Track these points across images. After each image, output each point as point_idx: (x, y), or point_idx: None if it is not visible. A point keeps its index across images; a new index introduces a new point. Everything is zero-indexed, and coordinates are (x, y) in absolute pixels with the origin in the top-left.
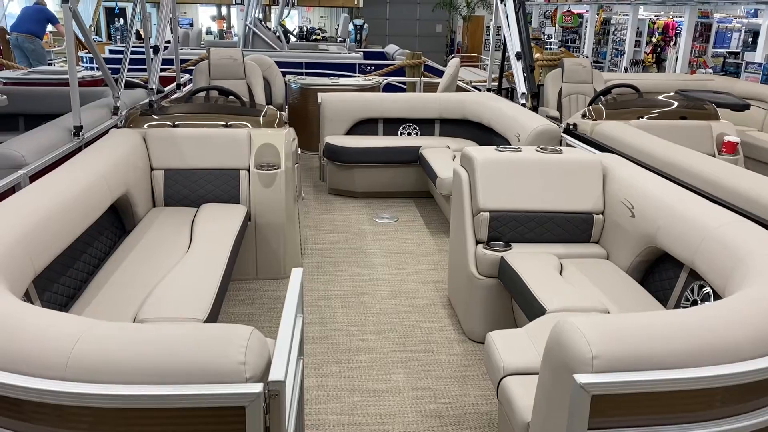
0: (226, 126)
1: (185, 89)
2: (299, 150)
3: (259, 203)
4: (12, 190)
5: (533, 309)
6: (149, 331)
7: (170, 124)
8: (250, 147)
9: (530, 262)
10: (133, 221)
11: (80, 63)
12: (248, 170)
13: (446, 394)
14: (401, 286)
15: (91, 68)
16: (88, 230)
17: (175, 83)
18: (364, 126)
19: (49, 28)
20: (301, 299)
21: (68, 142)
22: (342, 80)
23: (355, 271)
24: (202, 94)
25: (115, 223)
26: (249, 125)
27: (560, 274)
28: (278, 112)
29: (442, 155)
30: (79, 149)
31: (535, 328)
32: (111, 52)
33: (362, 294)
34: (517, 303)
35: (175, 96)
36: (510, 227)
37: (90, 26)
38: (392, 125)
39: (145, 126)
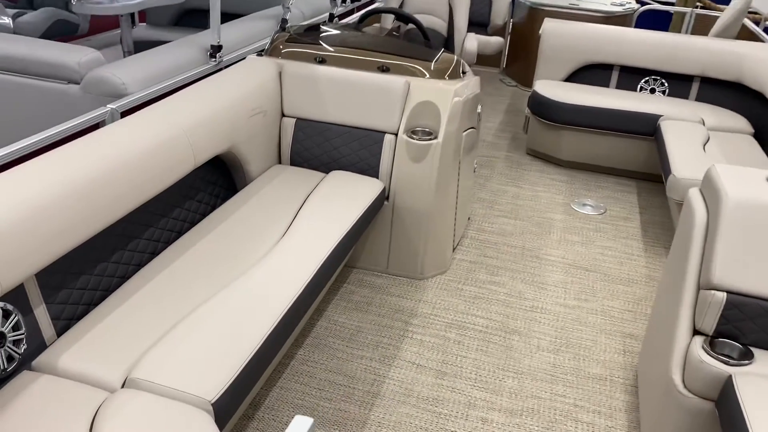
0: (382, 70)
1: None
2: (516, 85)
3: (402, 181)
4: (96, 128)
5: None
6: None
7: (315, 58)
8: (404, 103)
9: None
10: (244, 181)
11: None
12: (396, 135)
13: None
14: (572, 332)
15: None
16: (156, 200)
17: None
18: (592, 72)
19: None
20: None
21: (202, 65)
22: (584, 2)
23: (515, 289)
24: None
25: (221, 182)
26: (414, 72)
27: None
28: (455, 59)
29: (689, 136)
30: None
31: None
32: None
33: (513, 333)
34: None
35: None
36: (758, 324)
37: None
38: (631, 76)
39: (286, 58)
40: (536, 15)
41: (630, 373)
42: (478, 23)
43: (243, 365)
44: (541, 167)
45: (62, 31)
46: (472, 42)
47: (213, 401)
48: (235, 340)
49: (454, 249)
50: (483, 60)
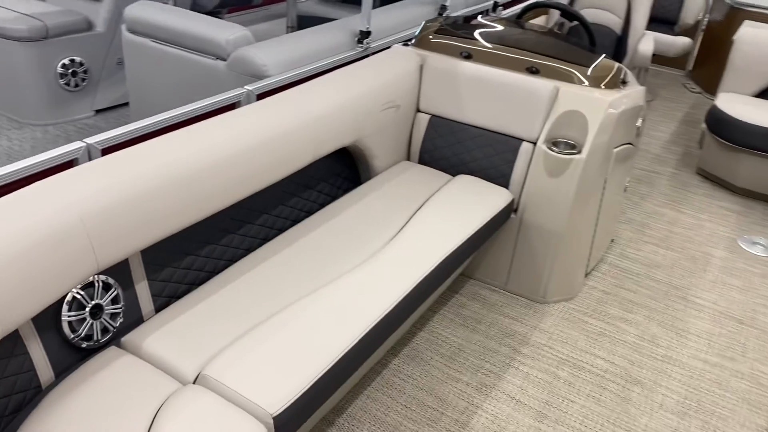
0: (531, 72)
1: None
2: (701, 92)
3: (534, 195)
4: (231, 108)
5: None
6: None
7: (460, 52)
8: (550, 110)
9: None
10: (369, 174)
11: None
12: (534, 144)
13: None
14: (707, 395)
15: None
16: (274, 187)
17: None
18: None
19: None
20: None
21: (348, 51)
22: None
23: (649, 332)
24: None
25: (345, 174)
26: (567, 77)
27: None
28: (616, 66)
29: None
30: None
31: None
32: None
33: (634, 383)
34: None
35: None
36: None
37: None
38: None
39: (432, 50)
40: (736, 16)
41: None
42: (664, 20)
43: (315, 379)
44: (710, 191)
45: (238, 0)
46: (647, 44)
47: (275, 414)
48: (315, 349)
49: (586, 274)
50: (666, 60)
